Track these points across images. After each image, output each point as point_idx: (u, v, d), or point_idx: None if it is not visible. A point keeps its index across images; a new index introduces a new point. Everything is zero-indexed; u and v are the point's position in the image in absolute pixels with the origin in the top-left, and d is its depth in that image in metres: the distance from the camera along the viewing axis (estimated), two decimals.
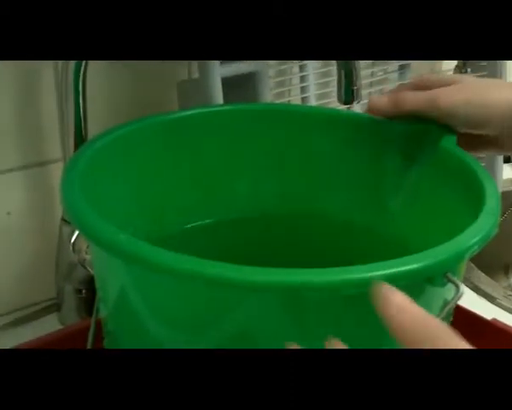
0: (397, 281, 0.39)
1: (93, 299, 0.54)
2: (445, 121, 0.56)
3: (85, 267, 0.69)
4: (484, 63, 0.93)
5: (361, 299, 0.39)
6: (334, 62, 0.70)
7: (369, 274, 0.37)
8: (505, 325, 0.67)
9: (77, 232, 0.68)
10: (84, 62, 0.64)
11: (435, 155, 0.56)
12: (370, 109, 0.60)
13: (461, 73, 0.97)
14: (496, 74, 0.90)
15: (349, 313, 0.40)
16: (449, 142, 0.56)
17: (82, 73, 0.64)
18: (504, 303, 0.82)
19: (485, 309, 0.79)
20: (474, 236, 0.42)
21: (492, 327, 0.66)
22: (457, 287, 0.40)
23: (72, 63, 0.64)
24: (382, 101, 0.59)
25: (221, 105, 0.70)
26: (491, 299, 0.83)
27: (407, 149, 0.58)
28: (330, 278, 0.37)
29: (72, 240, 0.69)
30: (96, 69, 0.70)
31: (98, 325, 0.53)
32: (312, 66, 0.87)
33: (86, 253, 0.68)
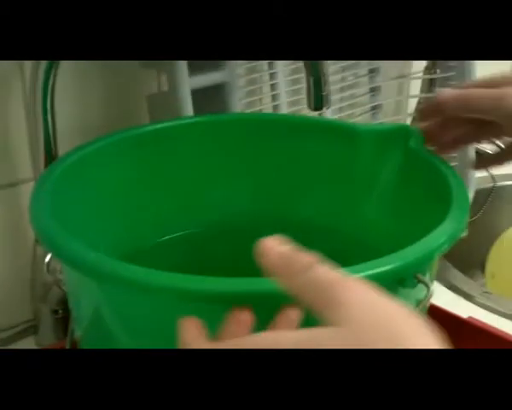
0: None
1: (69, 319, 0.54)
2: (506, 122, 0.55)
3: (61, 287, 0.68)
4: (453, 63, 0.93)
5: None
6: (303, 70, 0.70)
7: None
8: (482, 322, 0.68)
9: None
10: (52, 79, 0.64)
11: (404, 157, 0.57)
12: (438, 105, 0.58)
13: (430, 74, 0.97)
14: (464, 75, 0.90)
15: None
16: (417, 143, 0.56)
17: (50, 89, 0.64)
18: (481, 301, 0.82)
19: (462, 308, 0.79)
20: (441, 236, 0.42)
21: (469, 325, 0.67)
22: (428, 287, 0.40)
23: (40, 80, 0.64)
24: (449, 97, 0.58)
25: (192, 117, 0.70)
26: (467, 297, 0.83)
27: (377, 152, 0.59)
28: None
29: (47, 260, 0.68)
30: (65, 85, 0.70)
31: (74, 345, 0.52)
32: (282, 74, 0.88)
33: (61, 273, 0.67)
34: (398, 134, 0.58)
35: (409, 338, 0.30)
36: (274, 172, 0.65)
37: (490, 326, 0.67)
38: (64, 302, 0.71)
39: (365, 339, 0.30)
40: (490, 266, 1.04)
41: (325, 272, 0.33)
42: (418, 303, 0.42)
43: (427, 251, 0.41)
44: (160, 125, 0.63)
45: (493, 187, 1.09)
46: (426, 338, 0.31)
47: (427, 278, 0.41)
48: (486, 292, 0.85)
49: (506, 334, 0.66)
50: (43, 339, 0.73)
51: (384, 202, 0.59)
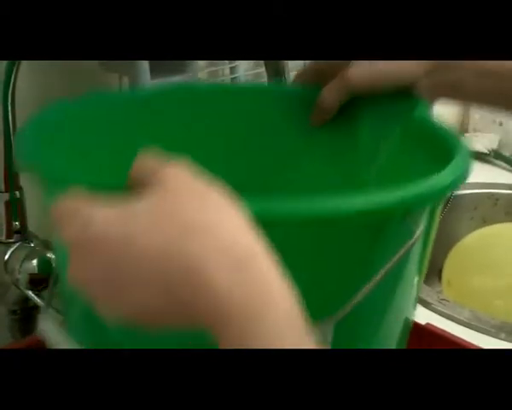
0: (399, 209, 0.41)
1: (27, 319, 0.53)
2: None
3: (19, 287, 0.67)
4: None
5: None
6: (265, 75, 0.71)
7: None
8: (439, 329, 0.68)
9: (9, 252, 0.67)
10: (12, 80, 0.64)
11: (405, 125, 0.56)
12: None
13: None
14: None
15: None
16: (418, 110, 0.56)
17: (11, 90, 0.64)
18: (438, 308, 0.83)
19: (419, 314, 0.80)
20: (449, 176, 0.43)
21: (427, 332, 0.68)
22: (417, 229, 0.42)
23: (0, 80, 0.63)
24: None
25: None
26: (425, 304, 0.84)
27: (376, 121, 0.58)
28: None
29: (5, 259, 0.68)
30: (26, 87, 0.69)
31: (32, 345, 0.52)
32: (244, 79, 0.88)
33: (19, 273, 0.67)
34: (397, 102, 0.57)
35: (216, 202, 0.33)
36: (267, 146, 0.63)
37: (448, 333, 0.68)
38: (22, 302, 0.70)
39: (178, 201, 0.33)
40: (446, 273, 1.05)
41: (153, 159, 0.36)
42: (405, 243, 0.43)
43: (440, 186, 0.42)
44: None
45: (451, 195, 1.10)
46: (230, 209, 0.33)
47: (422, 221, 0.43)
48: (443, 299, 0.86)
49: (463, 341, 0.67)
50: (0, 339, 0.72)
51: (385, 174, 0.58)
